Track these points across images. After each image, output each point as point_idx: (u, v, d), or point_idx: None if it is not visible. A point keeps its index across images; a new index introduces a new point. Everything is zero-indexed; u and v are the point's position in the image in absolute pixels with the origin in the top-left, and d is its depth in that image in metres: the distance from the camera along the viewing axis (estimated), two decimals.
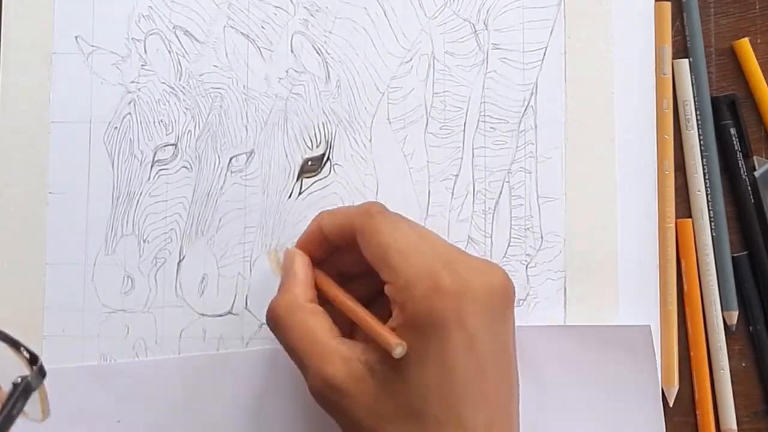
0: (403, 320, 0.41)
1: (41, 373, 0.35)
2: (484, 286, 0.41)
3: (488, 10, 0.52)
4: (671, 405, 0.50)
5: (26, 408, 0.34)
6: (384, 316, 0.42)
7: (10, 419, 0.33)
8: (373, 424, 0.41)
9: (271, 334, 0.48)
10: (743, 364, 0.51)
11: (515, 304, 0.43)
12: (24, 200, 0.51)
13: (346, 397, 0.41)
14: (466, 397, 0.40)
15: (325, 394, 0.42)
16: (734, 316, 0.50)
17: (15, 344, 0.36)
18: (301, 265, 0.46)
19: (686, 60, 0.52)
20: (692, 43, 0.52)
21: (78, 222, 0.51)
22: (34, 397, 0.35)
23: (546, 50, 0.52)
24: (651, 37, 0.52)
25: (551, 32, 0.52)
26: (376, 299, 0.45)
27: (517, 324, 0.43)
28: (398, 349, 0.40)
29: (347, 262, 0.46)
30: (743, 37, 0.52)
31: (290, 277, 0.45)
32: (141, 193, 0.51)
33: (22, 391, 0.34)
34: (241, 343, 0.51)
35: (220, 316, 0.51)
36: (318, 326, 0.43)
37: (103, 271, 0.51)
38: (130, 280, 0.51)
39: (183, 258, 0.51)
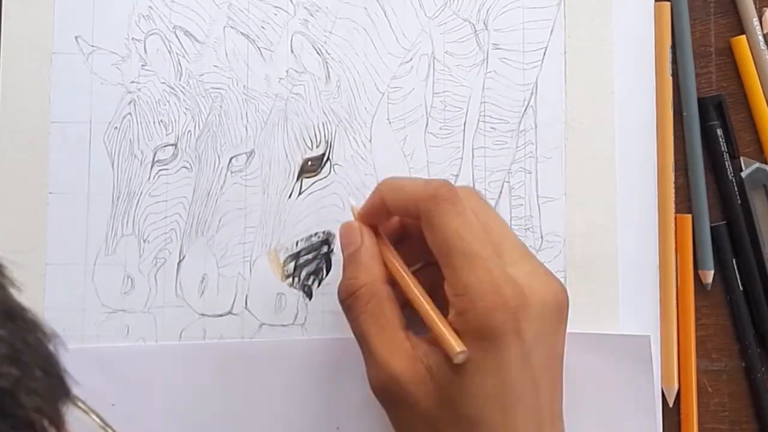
0: (462, 327, 0.40)
1: None
2: (542, 300, 0.41)
3: (488, 10, 0.52)
4: (671, 405, 0.50)
5: None
6: (440, 306, 0.42)
7: None
8: (428, 428, 0.41)
9: (271, 335, 0.48)
10: (743, 364, 0.51)
11: (568, 312, 0.43)
12: (24, 200, 0.51)
13: (407, 395, 0.41)
14: (520, 408, 0.40)
15: (387, 387, 0.41)
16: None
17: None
18: (370, 239, 0.44)
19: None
20: (680, 45, 0.52)
21: (78, 222, 0.51)
22: None
23: (546, 50, 0.52)
24: (651, 37, 0.52)
25: (551, 32, 0.52)
26: (435, 289, 0.44)
27: None
28: (460, 356, 0.40)
29: (411, 247, 0.45)
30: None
31: (365, 252, 0.44)
32: (141, 193, 0.51)
33: None
34: None
35: (220, 316, 0.51)
36: (392, 313, 0.42)
37: (103, 271, 0.51)
38: (130, 280, 0.51)
39: (183, 258, 0.51)
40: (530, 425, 0.40)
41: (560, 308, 0.42)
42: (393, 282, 0.44)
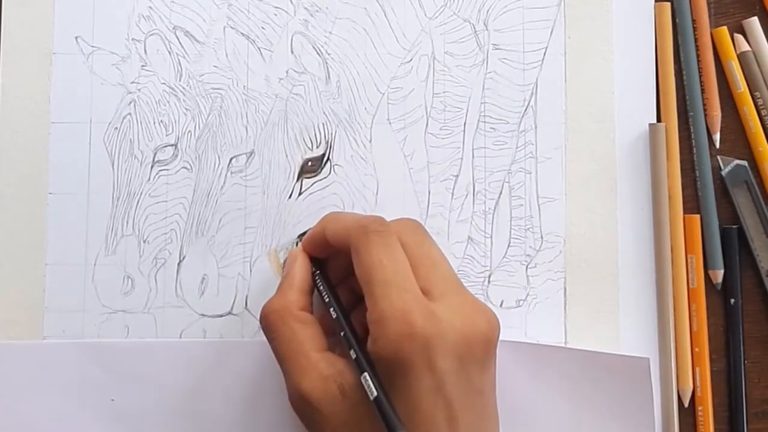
0: (374, 353, 0.41)
1: None
2: (459, 332, 0.41)
3: (488, 11, 0.52)
4: (686, 405, 0.50)
5: None
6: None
7: None
8: None
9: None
10: (746, 363, 0.51)
11: (496, 346, 0.43)
12: (24, 200, 0.51)
13: (318, 413, 0.42)
14: None
15: (300, 406, 0.42)
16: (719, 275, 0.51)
17: None
18: (301, 268, 0.46)
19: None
20: (684, 45, 0.52)
21: (78, 222, 0.51)
22: None
23: (546, 50, 0.52)
24: (651, 37, 0.52)
25: (551, 32, 0.52)
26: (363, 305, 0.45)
27: (518, 339, 0.43)
28: None
29: (347, 264, 0.46)
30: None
31: (287, 281, 0.46)
32: (141, 194, 0.51)
33: None
34: None
35: (220, 316, 0.51)
36: (305, 336, 0.43)
37: (103, 272, 0.51)
38: (130, 280, 0.51)
39: (183, 258, 0.51)
40: None
41: (484, 342, 0.42)
42: (323, 310, 0.45)
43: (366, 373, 0.41)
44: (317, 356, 0.43)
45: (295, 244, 0.51)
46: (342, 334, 0.43)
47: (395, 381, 0.40)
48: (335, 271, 0.47)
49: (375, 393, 0.40)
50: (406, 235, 0.44)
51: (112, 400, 0.49)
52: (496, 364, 0.43)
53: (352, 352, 0.42)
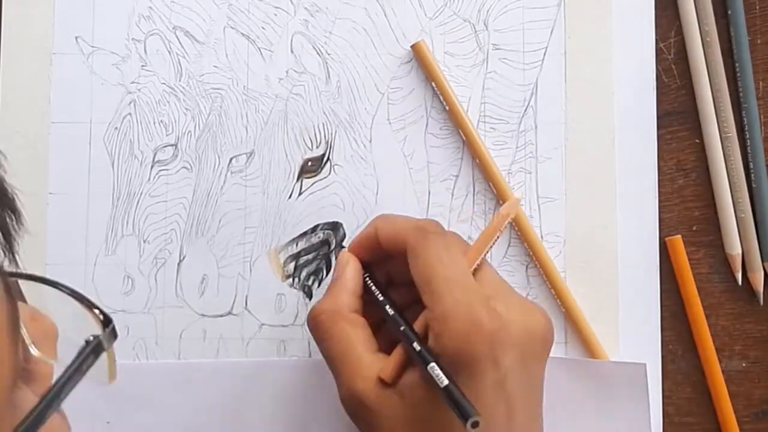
0: (438, 350, 0.41)
1: (113, 335, 0.35)
2: (521, 327, 0.41)
3: (488, 11, 0.52)
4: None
5: (93, 371, 0.34)
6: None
7: (79, 374, 0.33)
8: None
9: (271, 335, 0.48)
10: (743, 364, 0.51)
11: (552, 345, 0.43)
12: (24, 200, 0.51)
13: (373, 414, 0.42)
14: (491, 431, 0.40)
15: (354, 407, 0.42)
16: None
17: (90, 305, 0.36)
18: (352, 271, 0.46)
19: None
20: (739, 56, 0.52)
21: (78, 222, 0.51)
22: (102, 360, 0.35)
23: (546, 50, 0.52)
24: (651, 37, 0.52)
25: (551, 32, 0.52)
26: (417, 308, 0.45)
27: None
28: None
29: (398, 269, 0.46)
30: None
31: (339, 283, 0.46)
32: (141, 194, 0.51)
33: (93, 349, 0.34)
34: (241, 344, 0.51)
35: (220, 316, 0.51)
36: (357, 337, 0.43)
37: (103, 272, 0.51)
38: (130, 280, 0.51)
39: (183, 258, 0.51)
40: None
41: (543, 339, 0.43)
42: (370, 312, 0.45)
43: (433, 364, 0.40)
44: (371, 357, 0.43)
45: (295, 245, 0.51)
46: (402, 329, 0.43)
47: (458, 377, 0.40)
48: (381, 276, 0.47)
49: (445, 382, 0.39)
50: (458, 240, 0.45)
51: (108, 422, 0.49)
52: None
53: (415, 344, 0.41)
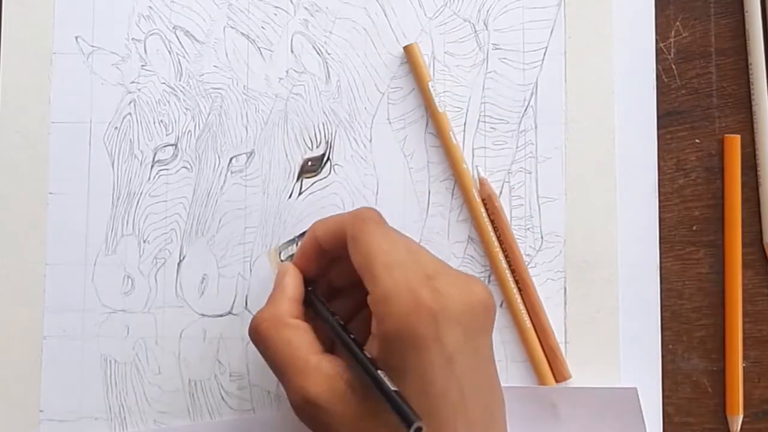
0: (382, 334, 0.41)
1: None
2: (462, 302, 0.41)
3: (488, 10, 0.52)
4: None
5: None
6: (367, 329, 0.43)
7: None
8: None
9: None
10: (743, 364, 0.51)
11: (495, 314, 0.43)
12: (24, 200, 0.51)
13: (328, 414, 0.41)
14: (446, 413, 0.40)
15: (307, 411, 0.42)
16: None
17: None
18: (291, 278, 0.46)
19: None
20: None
21: (78, 222, 0.51)
22: None
23: (546, 50, 0.52)
24: (651, 36, 0.52)
25: (551, 32, 0.52)
26: (361, 312, 0.46)
27: (504, 385, 0.43)
28: (416, 426, 0.38)
29: (340, 272, 0.46)
30: (743, 36, 0.52)
31: (278, 291, 0.46)
32: (141, 194, 0.51)
33: None
34: (241, 343, 0.51)
35: (220, 316, 0.51)
36: (300, 342, 0.43)
37: (103, 272, 0.51)
38: (130, 280, 0.51)
39: (183, 258, 0.51)
40: (459, 431, 0.40)
41: (485, 310, 0.42)
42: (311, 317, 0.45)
43: (376, 373, 0.40)
44: (316, 358, 0.43)
45: (295, 245, 0.51)
46: (343, 339, 0.43)
47: (406, 358, 0.40)
48: (324, 288, 0.48)
49: (387, 392, 0.39)
50: (393, 228, 0.45)
51: None
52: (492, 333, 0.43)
53: (355, 354, 0.42)
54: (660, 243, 0.51)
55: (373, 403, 0.41)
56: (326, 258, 0.46)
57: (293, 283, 0.46)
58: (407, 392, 0.39)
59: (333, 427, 0.41)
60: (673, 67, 0.52)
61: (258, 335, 0.44)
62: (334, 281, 0.47)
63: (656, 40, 0.52)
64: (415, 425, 0.37)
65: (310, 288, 0.46)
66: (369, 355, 0.41)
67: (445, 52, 0.52)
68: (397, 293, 0.41)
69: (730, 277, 0.51)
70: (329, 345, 0.44)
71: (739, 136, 0.52)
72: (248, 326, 0.45)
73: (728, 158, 0.51)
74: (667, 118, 0.52)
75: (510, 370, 0.50)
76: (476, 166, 0.52)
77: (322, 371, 0.42)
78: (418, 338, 0.40)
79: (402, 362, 0.40)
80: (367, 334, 0.43)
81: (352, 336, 0.43)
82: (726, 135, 0.51)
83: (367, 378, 0.40)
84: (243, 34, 0.52)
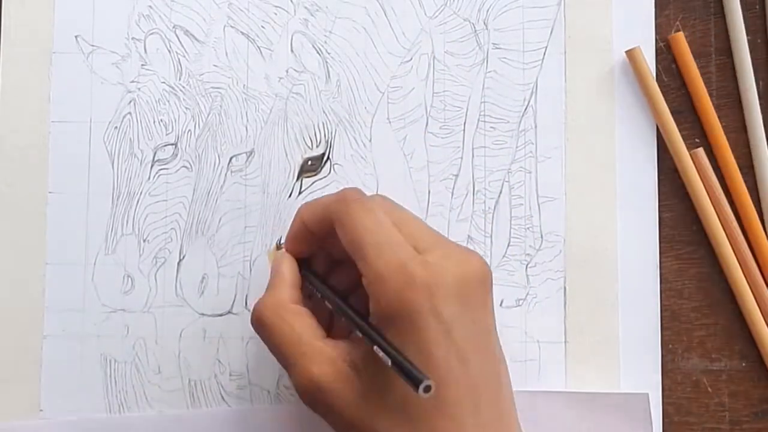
0: (379, 314, 0.41)
1: None
2: (457, 276, 0.41)
3: (488, 10, 0.52)
4: None
5: None
6: (368, 303, 0.43)
7: None
8: (362, 420, 0.41)
9: None
10: (743, 364, 0.51)
11: (492, 284, 0.43)
12: (24, 200, 0.51)
13: (334, 396, 0.42)
14: (449, 384, 0.40)
15: (313, 395, 0.42)
16: None
17: None
18: (287, 266, 0.46)
19: None
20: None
21: (78, 222, 0.51)
22: None
23: (546, 50, 0.52)
24: (652, 36, 0.52)
25: (551, 32, 0.52)
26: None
27: (514, 389, 0.43)
28: (426, 384, 0.38)
29: (336, 245, 0.46)
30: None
31: (276, 279, 0.46)
32: (141, 193, 0.51)
33: None
34: (241, 343, 0.51)
35: (220, 315, 0.51)
36: (303, 327, 0.44)
37: (103, 271, 0.51)
38: (130, 279, 0.51)
39: (183, 257, 0.51)
40: (465, 401, 0.40)
41: (482, 281, 0.42)
42: (315, 304, 0.46)
43: (380, 339, 0.40)
44: (320, 343, 0.43)
45: (275, 248, 0.51)
46: (344, 311, 0.43)
47: (405, 336, 0.40)
48: (322, 264, 0.48)
49: (392, 355, 0.40)
50: (382, 204, 0.45)
51: None
52: (493, 302, 0.44)
53: (357, 323, 0.42)
54: (660, 243, 0.51)
55: (377, 383, 0.41)
56: (316, 239, 0.46)
57: (291, 270, 0.46)
58: None
59: (340, 409, 0.42)
60: (673, 67, 0.52)
61: (261, 323, 0.44)
62: (333, 254, 0.47)
63: (656, 40, 0.52)
64: (423, 384, 0.38)
65: (304, 272, 0.47)
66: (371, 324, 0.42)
67: (445, 52, 0.52)
68: (388, 272, 0.41)
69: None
70: (326, 328, 0.45)
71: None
72: (250, 316, 0.45)
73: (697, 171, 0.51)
74: None
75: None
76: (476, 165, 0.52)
77: (326, 354, 0.42)
78: (415, 313, 0.40)
79: (401, 338, 0.40)
80: (368, 307, 0.43)
81: (352, 308, 0.43)
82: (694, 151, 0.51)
83: (370, 345, 0.41)
84: (243, 33, 0.52)
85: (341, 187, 0.51)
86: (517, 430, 0.42)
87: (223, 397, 0.51)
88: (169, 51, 0.52)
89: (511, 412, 0.42)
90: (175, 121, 0.52)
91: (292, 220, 0.47)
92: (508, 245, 0.51)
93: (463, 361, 0.40)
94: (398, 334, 0.40)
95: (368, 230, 0.42)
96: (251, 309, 0.45)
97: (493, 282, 0.43)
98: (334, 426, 0.43)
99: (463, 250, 0.43)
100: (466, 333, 0.41)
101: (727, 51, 0.52)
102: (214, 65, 0.52)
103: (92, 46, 0.52)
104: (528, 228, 0.51)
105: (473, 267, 0.42)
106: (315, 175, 0.52)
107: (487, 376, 0.41)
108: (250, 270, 0.51)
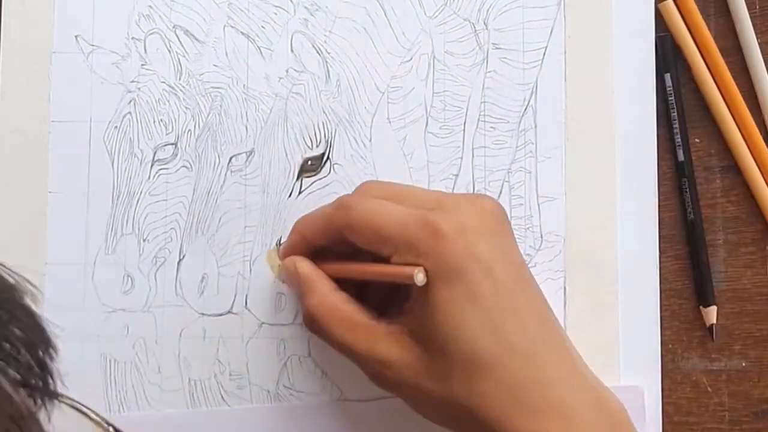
0: (425, 284, 0.42)
1: None
2: (478, 217, 0.42)
3: (488, 10, 0.52)
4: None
5: None
6: (386, 290, 0.44)
7: None
8: (435, 384, 0.42)
9: (270, 334, 0.48)
10: (743, 364, 0.51)
11: (508, 217, 0.45)
12: (24, 200, 0.51)
13: (402, 368, 0.43)
14: (506, 322, 0.41)
15: (384, 373, 0.43)
16: None
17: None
18: (309, 265, 0.47)
19: None
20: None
21: (78, 222, 0.51)
22: None
23: (546, 50, 0.52)
24: (651, 36, 0.52)
25: (551, 32, 0.52)
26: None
27: None
28: (419, 276, 0.41)
29: (343, 244, 0.47)
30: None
31: (306, 279, 0.46)
32: (141, 193, 0.51)
33: None
34: (241, 343, 0.51)
35: (220, 315, 0.51)
36: (355, 312, 0.44)
37: (103, 271, 0.51)
38: (130, 279, 0.51)
39: (183, 257, 0.51)
40: (526, 335, 0.41)
41: (500, 215, 0.44)
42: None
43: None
44: (374, 322, 0.44)
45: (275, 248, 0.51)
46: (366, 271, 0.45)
47: (452, 288, 0.41)
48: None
49: (419, 280, 0.41)
50: (371, 190, 0.46)
51: None
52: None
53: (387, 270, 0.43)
54: (660, 243, 0.51)
55: (440, 341, 0.42)
56: (311, 249, 0.47)
57: (313, 268, 0.47)
58: (468, 318, 0.41)
59: (412, 380, 0.43)
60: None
61: (316, 321, 0.45)
62: (341, 254, 0.48)
63: (656, 40, 0.52)
64: (417, 273, 0.40)
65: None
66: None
67: (445, 51, 0.52)
68: (417, 236, 0.42)
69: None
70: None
71: None
72: (303, 321, 0.46)
73: None
74: (667, 117, 0.52)
75: None
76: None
77: (385, 331, 0.43)
78: (455, 264, 0.41)
79: (451, 293, 0.41)
80: (386, 294, 0.45)
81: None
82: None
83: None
84: (243, 33, 0.52)
85: (341, 187, 0.51)
86: (567, 344, 0.44)
87: (223, 397, 0.51)
88: (169, 51, 0.52)
89: (559, 329, 0.44)
90: (175, 120, 0.52)
91: (288, 233, 0.48)
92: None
93: (511, 294, 0.42)
94: (448, 289, 0.41)
95: (380, 215, 0.43)
96: (303, 315, 0.46)
97: None
98: (409, 401, 0.44)
99: (469, 194, 0.46)
100: (505, 267, 0.42)
101: (727, 50, 0.52)
102: (214, 65, 0.52)
103: (92, 45, 0.52)
104: (528, 228, 0.51)
105: (488, 205, 0.43)
106: (315, 174, 0.52)
107: (534, 302, 0.43)
108: (250, 270, 0.51)
